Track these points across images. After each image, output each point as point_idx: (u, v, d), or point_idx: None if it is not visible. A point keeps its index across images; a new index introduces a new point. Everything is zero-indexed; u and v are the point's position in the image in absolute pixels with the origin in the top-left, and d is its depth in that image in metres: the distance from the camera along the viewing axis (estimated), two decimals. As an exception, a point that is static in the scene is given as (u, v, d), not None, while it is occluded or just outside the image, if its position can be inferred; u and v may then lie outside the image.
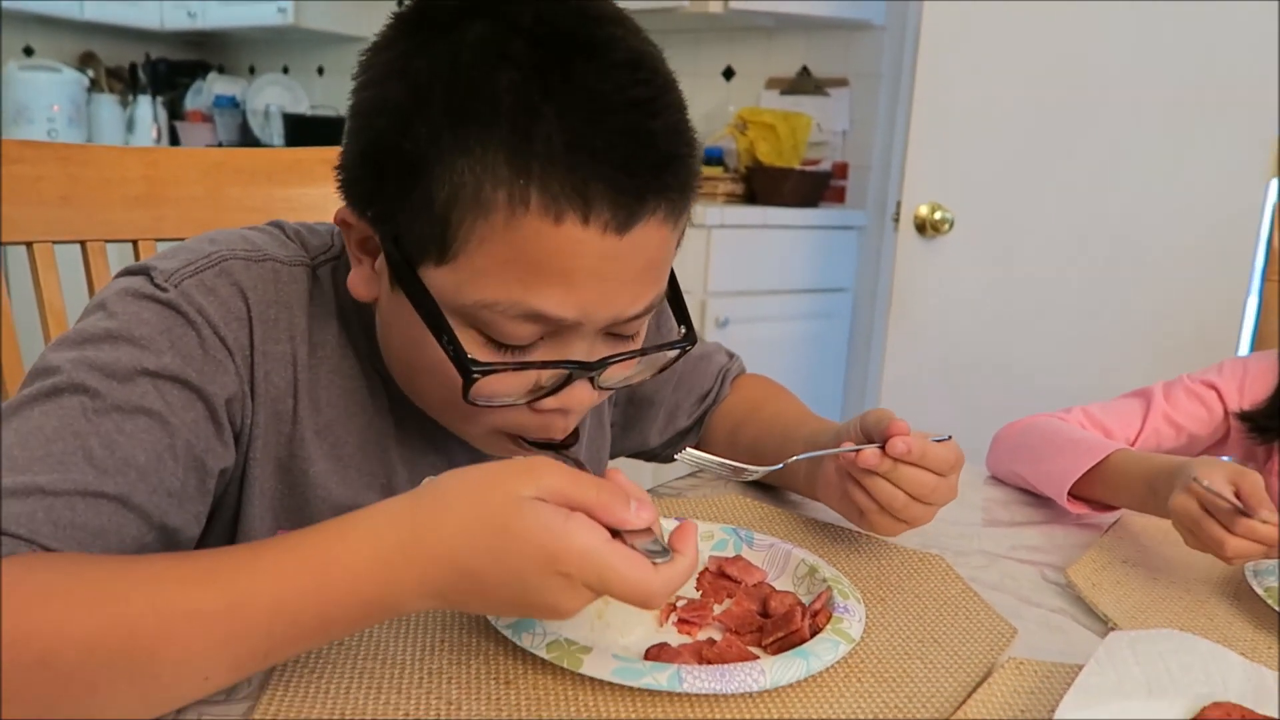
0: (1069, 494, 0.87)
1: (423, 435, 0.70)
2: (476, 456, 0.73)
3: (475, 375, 0.56)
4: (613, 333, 0.60)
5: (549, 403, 0.60)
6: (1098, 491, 0.87)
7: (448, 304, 0.57)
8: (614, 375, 0.62)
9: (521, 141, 0.52)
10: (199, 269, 0.60)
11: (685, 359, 0.90)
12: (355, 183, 0.60)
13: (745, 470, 0.71)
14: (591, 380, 0.60)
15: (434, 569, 0.46)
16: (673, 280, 0.64)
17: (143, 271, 0.60)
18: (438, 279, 0.57)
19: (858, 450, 0.69)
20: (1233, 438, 1.02)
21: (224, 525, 0.65)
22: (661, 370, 0.67)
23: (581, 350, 0.59)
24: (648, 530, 0.49)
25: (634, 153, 0.53)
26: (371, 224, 0.59)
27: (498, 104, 0.52)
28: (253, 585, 0.46)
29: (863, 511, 0.71)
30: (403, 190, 0.55)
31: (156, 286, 0.59)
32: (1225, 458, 1.05)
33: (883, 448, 0.68)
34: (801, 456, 0.71)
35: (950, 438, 0.71)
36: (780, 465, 0.70)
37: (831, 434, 0.76)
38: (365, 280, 0.62)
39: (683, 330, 0.64)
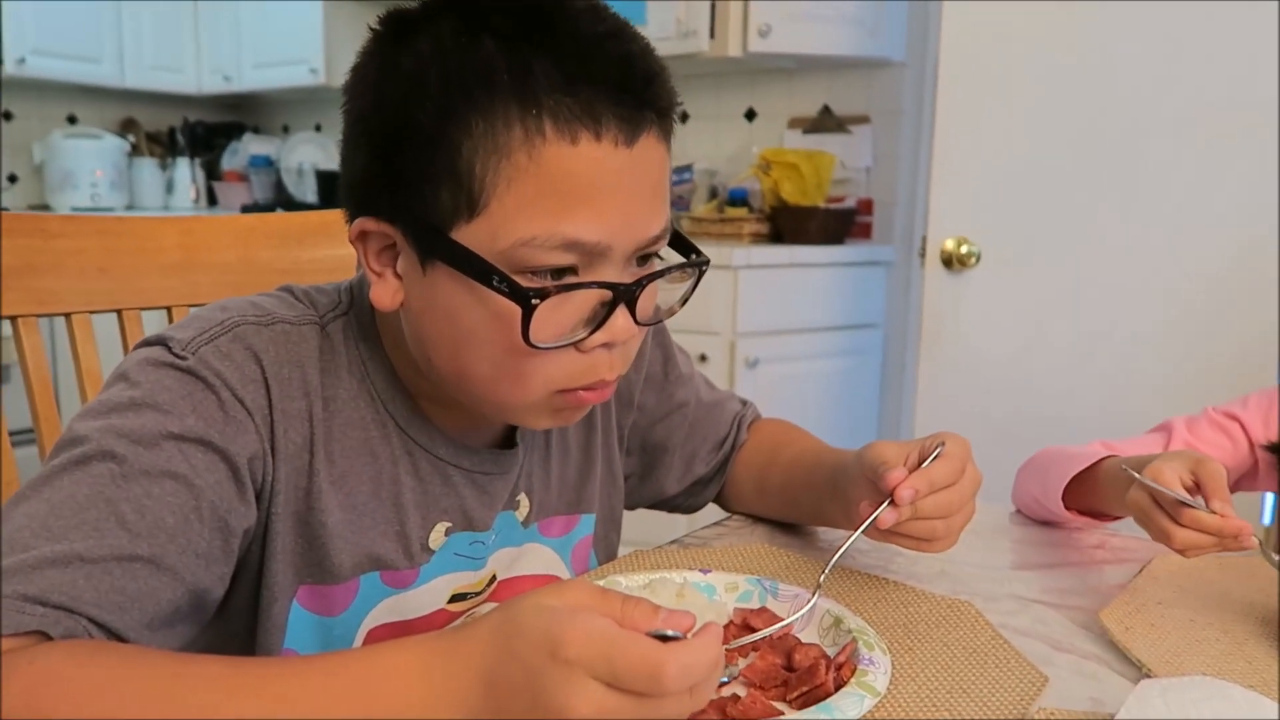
0: (1073, 509, 0.89)
1: (434, 478, 0.72)
2: (486, 498, 0.74)
3: (534, 302, 0.58)
4: (638, 260, 0.64)
5: (596, 338, 0.62)
6: (1096, 501, 0.89)
7: (486, 254, 0.59)
8: (647, 309, 0.65)
9: (525, 86, 0.58)
10: (213, 336, 0.63)
11: (697, 406, 0.92)
12: (368, 185, 0.63)
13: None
14: (630, 310, 0.62)
15: (466, 687, 0.46)
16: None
17: (160, 342, 0.62)
18: (471, 235, 0.59)
19: (875, 517, 0.68)
20: (1261, 470, 1.00)
21: (248, 584, 0.66)
22: (684, 301, 0.70)
23: (612, 279, 0.62)
24: None
25: (625, 73, 0.60)
26: (392, 219, 0.62)
27: (493, 63, 0.58)
28: (303, 692, 0.47)
29: (914, 549, 0.72)
30: (421, 164, 0.59)
31: (175, 355, 0.61)
32: (1271, 496, 1.04)
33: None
34: (830, 565, 0.69)
35: (943, 443, 0.70)
36: (814, 600, 0.67)
37: (849, 466, 0.76)
38: (390, 290, 0.64)
39: (693, 255, 0.68)
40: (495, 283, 0.59)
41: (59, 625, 0.50)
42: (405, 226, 0.62)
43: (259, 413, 0.63)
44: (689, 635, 0.46)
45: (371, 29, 0.63)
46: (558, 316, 0.61)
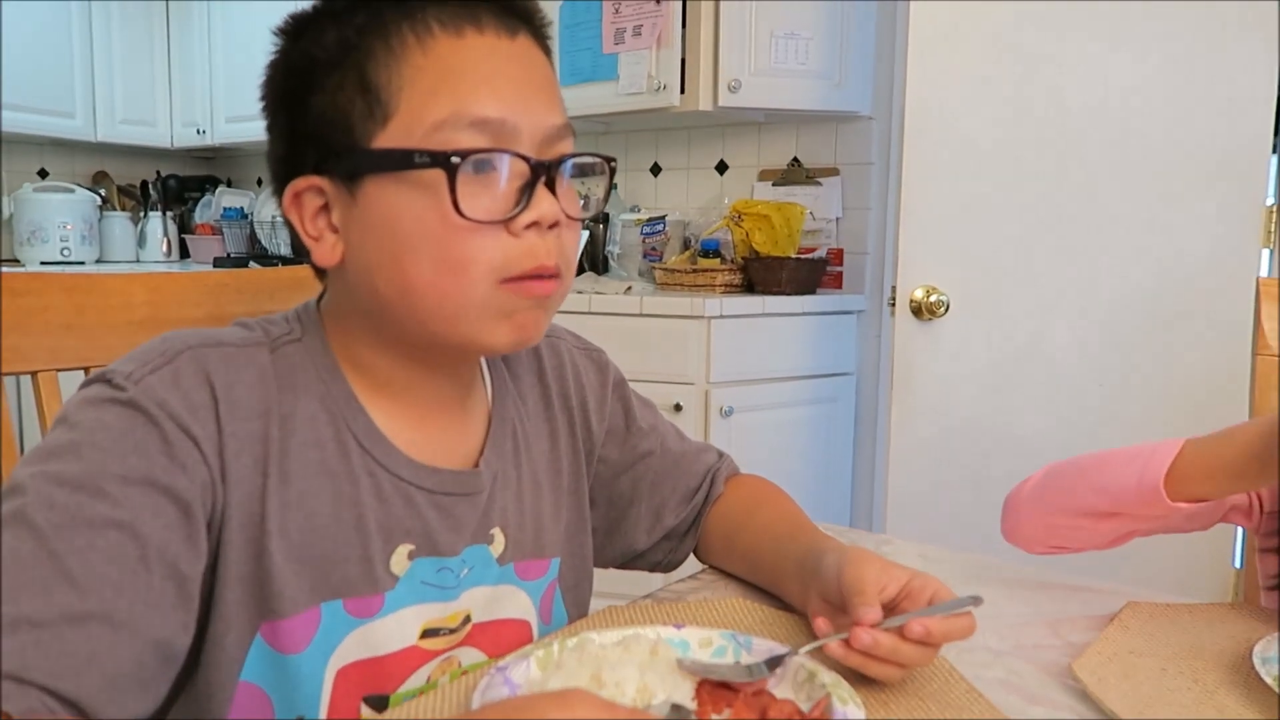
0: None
1: (396, 498, 0.71)
2: (451, 520, 0.72)
3: (455, 161, 0.63)
4: (552, 159, 0.68)
5: (523, 218, 0.66)
6: (1191, 489, 0.83)
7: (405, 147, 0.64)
8: (571, 203, 0.69)
9: (408, 5, 0.66)
10: (157, 366, 0.62)
11: (663, 456, 0.92)
12: (291, 148, 0.69)
13: None
14: (551, 190, 0.67)
15: None
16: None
17: (101, 379, 0.61)
18: (390, 138, 0.65)
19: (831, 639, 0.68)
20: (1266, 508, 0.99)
21: (199, 620, 0.64)
22: (606, 197, 0.77)
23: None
24: None
25: None
26: (317, 168, 0.67)
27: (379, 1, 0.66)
28: None
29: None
30: (332, 94, 0.65)
31: (116, 388, 0.60)
32: None
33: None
34: (807, 646, 0.69)
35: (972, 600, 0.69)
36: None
37: (818, 554, 0.76)
38: (329, 246, 0.68)
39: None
40: (418, 159, 0.63)
41: (10, 700, 0.49)
42: (330, 165, 0.66)
43: (207, 441, 0.62)
44: None
45: (273, 31, 0.69)
46: (485, 197, 0.65)
